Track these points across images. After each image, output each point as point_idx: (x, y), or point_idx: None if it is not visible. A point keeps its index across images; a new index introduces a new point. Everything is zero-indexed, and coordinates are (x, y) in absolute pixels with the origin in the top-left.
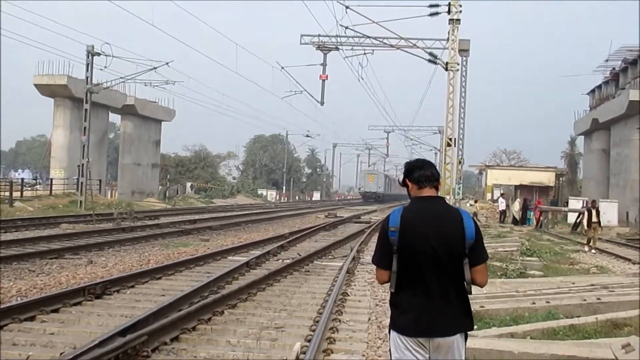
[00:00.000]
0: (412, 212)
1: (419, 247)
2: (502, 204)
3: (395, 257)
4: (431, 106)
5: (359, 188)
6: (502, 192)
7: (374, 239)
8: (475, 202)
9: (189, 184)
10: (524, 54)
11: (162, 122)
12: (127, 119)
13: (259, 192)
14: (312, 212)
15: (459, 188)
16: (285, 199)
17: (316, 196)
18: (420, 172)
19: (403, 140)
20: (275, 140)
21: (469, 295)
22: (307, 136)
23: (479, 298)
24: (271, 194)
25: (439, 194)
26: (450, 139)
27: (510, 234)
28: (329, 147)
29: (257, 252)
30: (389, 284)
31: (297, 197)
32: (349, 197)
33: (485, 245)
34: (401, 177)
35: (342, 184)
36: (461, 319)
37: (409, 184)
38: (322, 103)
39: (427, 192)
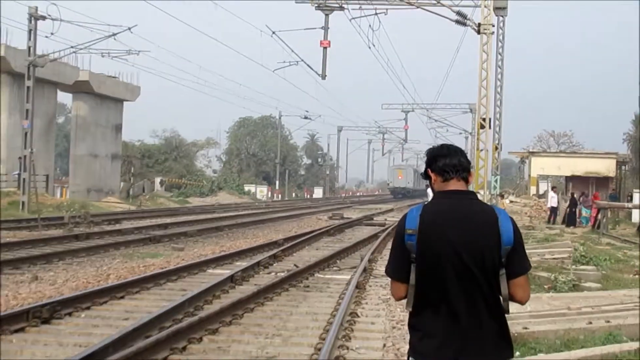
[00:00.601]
0: (435, 210)
1: (442, 254)
2: (552, 200)
3: (414, 268)
4: (460, 79)
5: (388, 184)
6: (552, 185)
7: (390, 245)
8: (502, 196)
9: (158, 180)
10: (579, 12)
11: (124, 103)
12: (81, 98)
13: (246, 188)
14: (313, 213)
15: (496, 181)
16: (279, 196)
17: (317, 193)
18: (445, 160)
19: (425, 121)
20: (266, 123)
21: (506, 315)
22: (306, 118)
23: (522, 317)
24: (261, 191)
25: (470, 188)
26: (484, 120)
27: (560, 237)
28: (333, 132)
29: (243, 264)
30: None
31: (293, 195)
32: (358, 194)
33: (527, 252)
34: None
35: (350, 177)
36: (497, 345)
37: (432, 175)
38: (323, 76)
39: (454, 185)
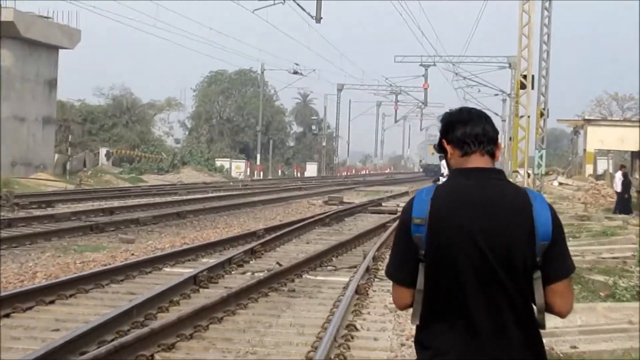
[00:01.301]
0: (450, 194)
1: (459, 251)
2: (618, 183)
3: (422, 268)
4: (495, 25)
5: (420, 160)
6: (620, 163)
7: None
8: (543, 175)
9: (103, 151)
10: None
11: (60, 51)
12: (3, 45)
13: (218, 163)
14: (304, 196)
15: (541, 156)
16: (261, 174)
17: (310, 170)
18: (465, 128)
19: (451, 79)
20: (245, 79)
21: (542, 330)
22: (296, 73)
23: (569, 334)
24: (237, 167)
25: (498, 166)
26: (526, 77)
27: (622, 231)
28: (331, 92)
29: (211, 261)
30: (411, 310)
31: (279, 172)
32: (363, 172)
33: (580, 249)
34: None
35: (353, 150)
36: None
37: (447, 147)
38: (318, 19)
39: (476, 161)
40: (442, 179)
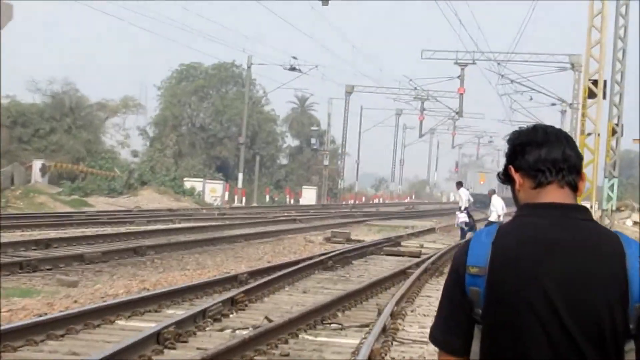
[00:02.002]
0: (519, 237)
1: (527, 311)
2: None
3: (479, 332)
4: (556, 14)
5: (468, 189)
6: None
7: (432, 289)
8: (614, 211)
9: (38, 164)
10: None
11: None
12: None
13: (188, 184)
14: (299, 231)
15: (612, 187)
16: (243, 200)
17: (308, 197)
18: (540, 151)
19: (495, 82)
20: (225, 76)
21: None
22: (293, 69)
23: None
24: (213, 190)
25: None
26: (596, 83)
27: None
28: (338, 95)
29: (179, 313)
30: None
31: (268, 198)
32: (377, 200)
33: None
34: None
35: (364, 171)
36: None
37: (515, 176)
38: (324, 1)
39: (554, 194)
40: (461, 218)
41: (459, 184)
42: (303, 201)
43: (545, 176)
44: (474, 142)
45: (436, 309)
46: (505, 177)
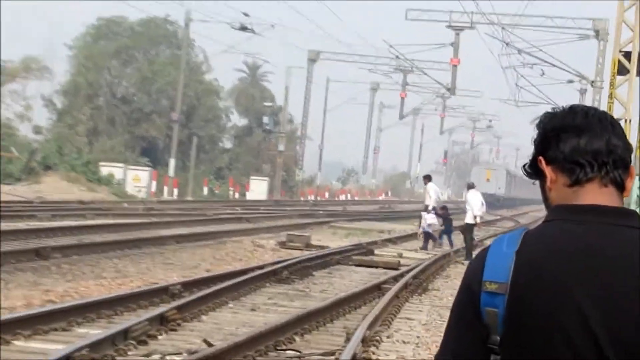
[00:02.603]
0: (548, 246)
1: (558, 340)
2: None
3: None
4: None
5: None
6: None
7: (413, 309)
8: None
9: None
10: None
11: None
12: None
13: (105, 170)
14: (246, 233)
15: None
16: (175, 192)
17: (258, 190)
18: (577, 140)
19: (498, 51)
20: (156, 35)
21: None
22: (243, 29)
23: None
24: (137, 178)
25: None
26: (628, 56)
27: None
28: (299, 63)
29: (94, 332)
30: None
31: (206, 191)
32: (343, 196)
33: None
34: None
35: (329, 160)
36: None
37: (547, 170)
38: None
39: (594, 195)
40: (428, 220)
41: (427, 178)
42: (251, 195)
43: (585, 171)
44: (468, 126)
45: (419, 335)
46: (533, 171)
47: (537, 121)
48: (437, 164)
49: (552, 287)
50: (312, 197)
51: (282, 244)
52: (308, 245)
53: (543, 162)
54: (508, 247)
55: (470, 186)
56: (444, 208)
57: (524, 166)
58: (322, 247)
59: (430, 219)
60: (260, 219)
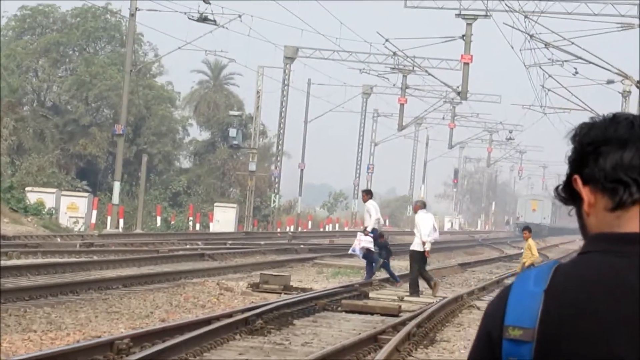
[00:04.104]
0: (585, 284)
1: None
2: None
3: None
4: None
5: (517, 218)
6: None
7: None
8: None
9: None
10: None
11: None
12: None
13: (32, 197)
14: (210, 272)
15: None
16: (120, 223)
17: (224, 220)
18: (622, 153)
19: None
20: (93, 27)
21: None
22: (204, 20)
23: None
24: (73, 206)
25: None
26: None
27: None
28: (273, 62)
29: None
30: None
31: (161, 222)
32: (329, 226)
33: None
34: None
35: (311, 183)
36: None
37: (583, 191)
38: None
39: None
40: (363, 242)
41: (367, 194)
42: (216, 227)
43: (630, 192)
44: (483, 139)
45: None
46: (567, 194)
47: (571, 133)
48: (446, 185)
49: (589, 334)
50: (292, 228)
51: (255, 287)
52: (287, 288)
53: (579, 182)
54: (535, 284)
55: (420, 206)
56: (381, 236)
57: (557, 188)
58: (305, 290)
59: (365, 242)
60: (227, 255)
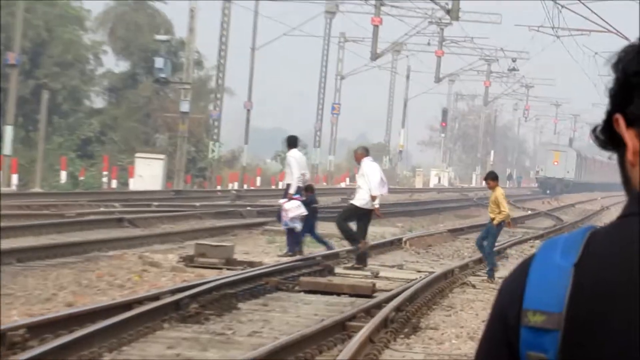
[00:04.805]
0: (628, 254)
1: None
2: None
3: None
4: None
5: (537, 172)
6: None
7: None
8: None
9: None
10: None
11: None
12: None
13: None
14: (131, 243)
15: None
16: (14, 179)
17: (149, 175)
18: None
19: None
20: None
21: None
22: None
23: None
24: None
25: None
26: None
27: None
28: None
29: None
30: None
31: (67, 177)
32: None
33: None
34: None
35: (261, 127)
36: None
37: (627, 135)
38: None
39: None
40: (291, 211)
41: (292, 141)
42: (138, 184)
43: None
44: (479, 70)
45: None
46: (607, 137)
47: (613, 59)
48: (432, 130)
49: (631, 319)
50: (236, 186)
51: (189, 261)
52: (229, 262)
53: (622, 122)
54: (563, 257)
55: (364, 153)
56: (309, 189)
57: (594, 130)
58: (252, 265)
59: (293, 209)
60: (152, 221)
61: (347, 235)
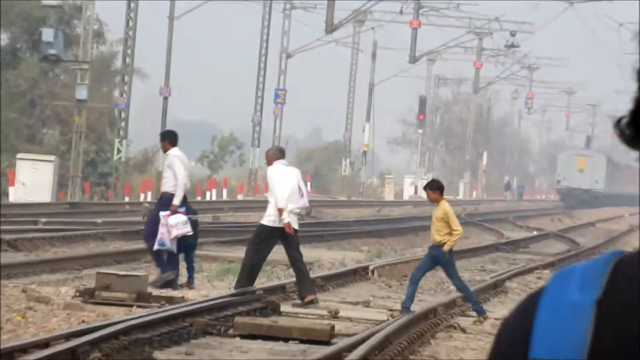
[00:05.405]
0: None
1: None
2: None
3: None
4: None
5: (558, 181)
6: None
7: None
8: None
9: None
10: None
11: None
12: None
13: None
14: (12, 272)
15: None
16: None
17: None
18: None
19: None
20: None
21: None
22: None
23: None
24: None
25: None
26: None
27: None
28: None
29: None
30: None
31: None
32: (210, 196)
33: None
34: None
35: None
36: None
37: None
38: None
39: None
40: (175, 229)
41: (172, 137)
42: (20, 194)
43: None
44: (467, 46)
45: None
46: (635, 131)
47: None
48: (406, 124)
49: None
50: (149, 197)
51: (88, 295)
52: (142, 297)
53: None
54: (582, 292)
55: (276, 156)
56: (185, 201)
57: (618, 122)
58: (172, 300)
59: (179, 226)
60: (39, 242)
61: (244, 271)
